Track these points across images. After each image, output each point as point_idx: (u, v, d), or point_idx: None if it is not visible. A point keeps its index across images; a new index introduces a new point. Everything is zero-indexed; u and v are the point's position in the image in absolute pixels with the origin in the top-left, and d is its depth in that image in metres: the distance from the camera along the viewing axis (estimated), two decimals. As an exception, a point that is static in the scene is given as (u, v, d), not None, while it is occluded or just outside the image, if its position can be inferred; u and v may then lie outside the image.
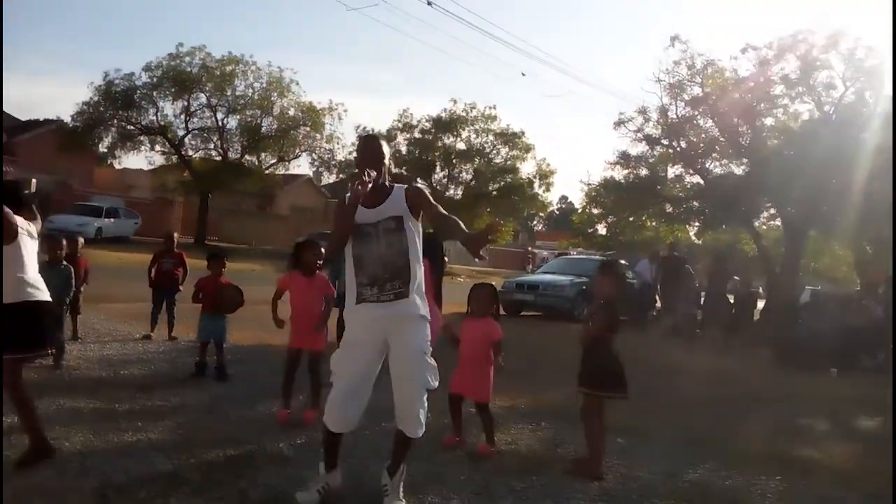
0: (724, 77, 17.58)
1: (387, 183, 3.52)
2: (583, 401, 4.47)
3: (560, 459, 4.64)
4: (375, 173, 3.38)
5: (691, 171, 20.07)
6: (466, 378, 4.71)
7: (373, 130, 33.29)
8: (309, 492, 3.56)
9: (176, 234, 8.72)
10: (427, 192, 3.60)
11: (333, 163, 33.76)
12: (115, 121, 30.13)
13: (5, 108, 36.77)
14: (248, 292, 6.52)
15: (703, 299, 14.26)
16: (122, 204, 29.36)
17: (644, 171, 20.55)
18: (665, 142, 19.66)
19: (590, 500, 3.93)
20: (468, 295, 4.92)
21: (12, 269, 3.71)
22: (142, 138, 30.92)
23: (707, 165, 19.39)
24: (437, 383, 3.53)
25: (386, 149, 3.60)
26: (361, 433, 4.87)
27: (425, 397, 3.49)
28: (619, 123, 20.72)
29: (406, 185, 3.56)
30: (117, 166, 38.23)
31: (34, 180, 27.98)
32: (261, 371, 6.70)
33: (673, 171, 22.97)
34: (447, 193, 33.93)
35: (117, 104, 29.48)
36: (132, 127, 30.49)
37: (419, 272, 3.50)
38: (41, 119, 34.93)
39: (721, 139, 18.28)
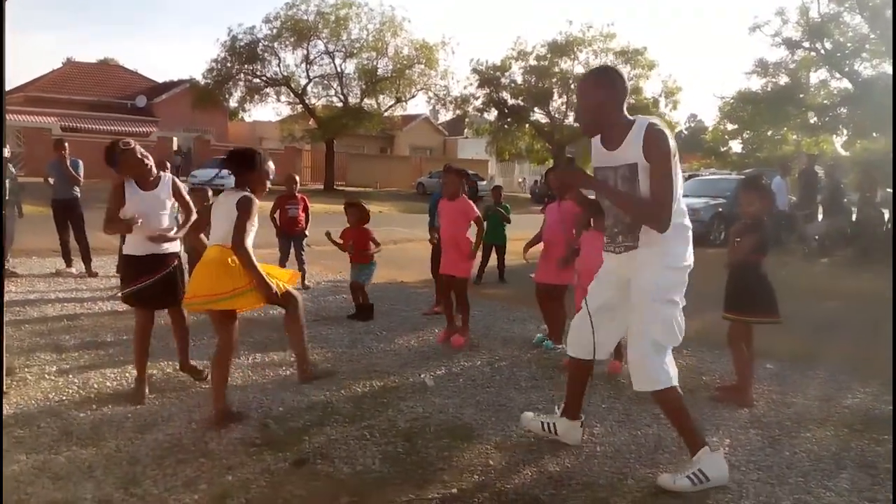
0: (876, -36, 15.85)
1: (625, 118, 2.99)
2: (729, 327, 4.28)
3: (705, 387, 4.49)
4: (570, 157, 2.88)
5: (838, 75, 18.51)
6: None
7: (486, 64, 32.47)
8: (534, 419, 3.52)
9: (297, 177, 8.24)
10: (666, 145, 2.90)
11: (449, 99, 33.78)
12: (242, 75, 31.49)
13: (144, 72, 39.57)
14: (375, 234, 6.59)
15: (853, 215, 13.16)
16: (257, 155, 30.87)
17: (784, 79, 19.21)
18: (807, 44, 18.16)
19: (741, 428, 3.79)
20: None
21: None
22: (268, 90, 32.19)
23: (856, 67, 17.74)
24: (675, 340, 3.07)
25: (603, 87, 2.97)
26: (498, 363, 4.97)
27: (650, 346, 3.01)
28: (755, 28, 19.30)
29: (650, 124, 2.94)
30: (248, 119, 40.36)
31: (175, 138, 30.14)
32: (396, 307, 6.96)
33: (816, 76, 21.17)
34: (566, 121, 33.03)
35: (242, 58, 30.75)
36: (258, 80, 31.78)
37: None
38: (176, 80, 37.29)
39: (872, 36, 16.54)
